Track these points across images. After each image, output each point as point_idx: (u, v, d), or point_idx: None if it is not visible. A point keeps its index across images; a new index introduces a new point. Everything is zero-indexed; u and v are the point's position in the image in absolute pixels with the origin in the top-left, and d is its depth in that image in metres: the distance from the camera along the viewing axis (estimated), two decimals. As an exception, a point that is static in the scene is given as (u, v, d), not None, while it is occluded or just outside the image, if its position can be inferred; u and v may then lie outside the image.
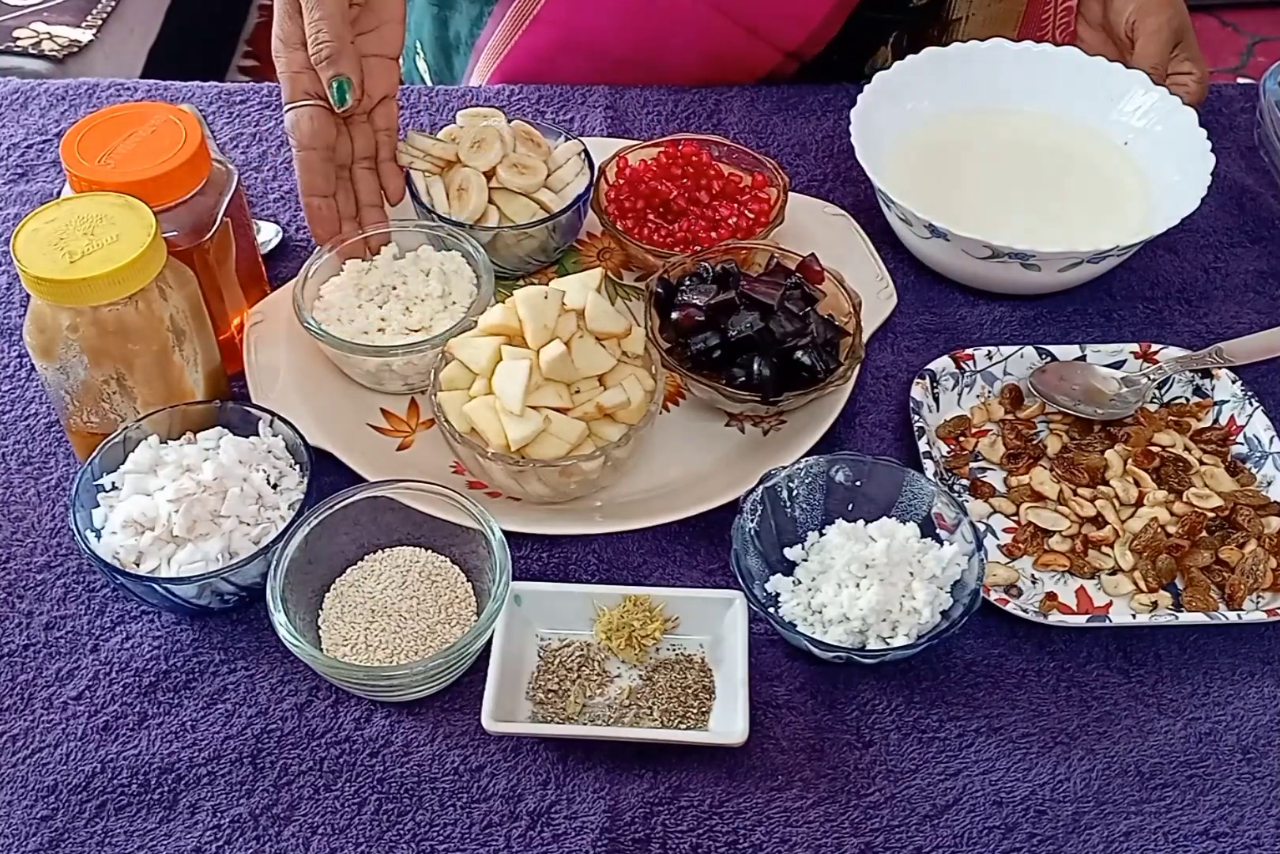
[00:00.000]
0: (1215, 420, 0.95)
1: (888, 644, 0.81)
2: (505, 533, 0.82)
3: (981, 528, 0.89)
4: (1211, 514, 0.89)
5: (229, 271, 0.95)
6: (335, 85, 0.91)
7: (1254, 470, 0.92)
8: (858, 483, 0.86)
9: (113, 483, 0.85)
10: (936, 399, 0.96)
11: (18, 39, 2.06)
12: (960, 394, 0.97)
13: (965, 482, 0.92)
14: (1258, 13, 2.91)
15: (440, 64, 1.30)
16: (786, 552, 0.86)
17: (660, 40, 1.18)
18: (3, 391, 0.97)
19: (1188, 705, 0.82)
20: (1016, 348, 0.97)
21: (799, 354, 0.90)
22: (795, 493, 0.86)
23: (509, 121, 1.02)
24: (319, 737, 0.80)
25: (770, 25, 1.17)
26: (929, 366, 0.96)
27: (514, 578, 0.82)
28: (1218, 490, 0.90)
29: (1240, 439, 0.93)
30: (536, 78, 1.21)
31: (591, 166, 1.03)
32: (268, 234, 1.07)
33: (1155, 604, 0.85)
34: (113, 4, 2.16)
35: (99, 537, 0.83)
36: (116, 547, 0.81)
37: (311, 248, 0.98)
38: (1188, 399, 0.97)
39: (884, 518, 0.85)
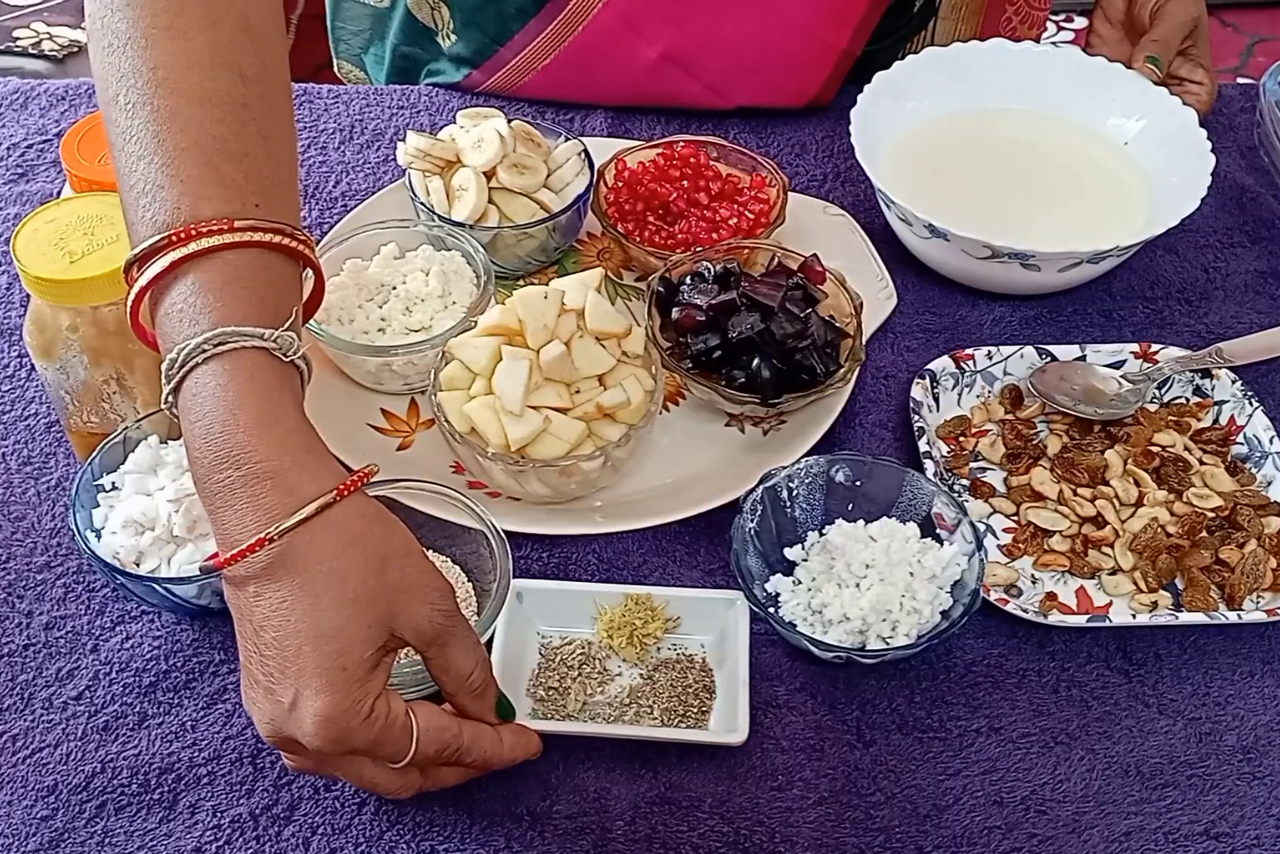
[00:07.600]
0: (1215, 420, 0.95)
1: (888, 644, 0.81)
2: (505, 533, 0.82)
3: (981, 528, 0.89)
4: (1211, 514, 0.89)
5: (229, 271, 0.95)
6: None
7: (1254, 470, 0.92)
8: (858, 483, 0.86)
9: (113, 483, 0.84)
10: (936, 399, 0.96)
11: (18, 39, 2.06)
12: (960, 394, 0.97)
13: (965, 482, 0.92)
14: (1258, 13, 2.90)
15: None
16: (786, 552, 0.86)
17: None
18: (3, 391, 0.97)
19: (1188, 705, 0.82)
20: (1016, 348, 0.97)
21: (799, 356, 0.89)
22: (795, 493, 0.86)
23: (509, 121, 1.02)
24: (319, 737, 0.80)
25: (765, 99, 1.16)
26: (929, 366, 0.96)
27: (514, 578, 0.82)
28: (1218, 490, 0.90)
29: (1240, 439, 0.93)
30: None
31: (592, 166, 1.03)
32: (268, 234, 1.06)
33: (1155, 604, 0.85)
34: (113, 4, 2.16)
35: (99, 537, 0.82)
36: (116, 547, 0.81)
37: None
38: (1188, 399, 0.97)
39: (884, 518, 0.85)
